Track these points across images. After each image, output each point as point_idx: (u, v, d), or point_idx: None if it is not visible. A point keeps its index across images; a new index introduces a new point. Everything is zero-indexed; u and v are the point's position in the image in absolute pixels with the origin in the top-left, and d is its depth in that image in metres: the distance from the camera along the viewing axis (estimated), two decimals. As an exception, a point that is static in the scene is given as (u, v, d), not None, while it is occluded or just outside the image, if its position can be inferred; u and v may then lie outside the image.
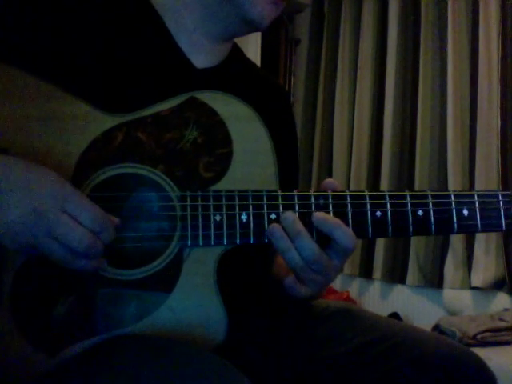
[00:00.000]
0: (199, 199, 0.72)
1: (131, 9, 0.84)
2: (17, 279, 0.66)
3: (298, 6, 3.78)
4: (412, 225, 0.76)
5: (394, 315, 2.98)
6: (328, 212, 0.74)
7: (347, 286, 3.44)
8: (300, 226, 0.72)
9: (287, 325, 0.90)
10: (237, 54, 0.95)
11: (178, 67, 0.84)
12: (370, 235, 0.75)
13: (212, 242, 0.71)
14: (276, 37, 3.85)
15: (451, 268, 2.89)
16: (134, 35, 0.82)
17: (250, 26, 0.84)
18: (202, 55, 0.86)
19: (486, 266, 2.76)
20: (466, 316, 2.60)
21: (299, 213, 0.73)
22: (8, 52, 0.72)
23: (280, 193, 0.74)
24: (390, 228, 0.75)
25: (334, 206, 0.74)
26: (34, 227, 0.61)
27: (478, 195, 0.78)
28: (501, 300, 2.71)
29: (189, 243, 0.71)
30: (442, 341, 0.85)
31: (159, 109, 0.74)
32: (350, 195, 0.75)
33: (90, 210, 0.63)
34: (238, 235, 0.72)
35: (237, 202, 0.72)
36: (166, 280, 0.70)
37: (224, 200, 0.72)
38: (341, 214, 0.74)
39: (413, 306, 3.09)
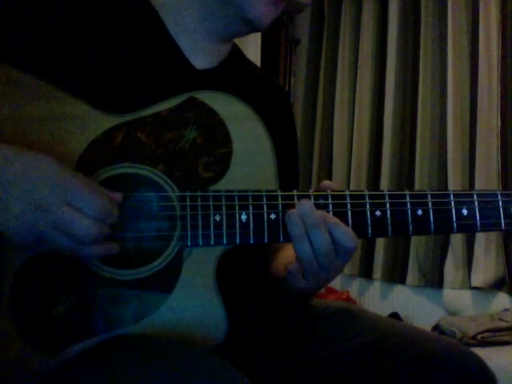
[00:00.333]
0: (199, 199, 0.72)
1: (131, 9, 0.84)
2: (17, 279, 0.66)
3: (298, 6, 3.78)
4: (412, 224, 0.76)
5: (394, 315, 2.98)
6: (328, 212, 0.74)
7: (347, 286, 3.44)
8: (317, 216, 0.72)
9: (287, 325, 0.90)
10: (236, 54, 0.95)
11: (178, 68, 0.84)
12: (370, 235, 0.75)
13: (212, 242, 0.71)
14: (276, 37, 3.85)
15: (451, 268, 2.89)
16: (134, 35, 0.82)
17: (249, 27, 0.84)
18: (201, 55, 0.86)
19: (486, 266, 2.76)
20: (466, 316, 2.60)
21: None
22: (8, 52, 0.72)
23: (280, 193, 0.74)
24: (390, 228, 0.75)
25: (334, 205, 0.74)
26: (39, 222, 0.61)
27: (478, 195, 0.78)
28: (501, 300, 2.71)
29: (188, 243, 0.71)
30: (442, 341, 0.85)
31: (159, 109, 0.74)
32: (350, 195, 0.75)
33: (92, 199, 0.63)
34: (237, 235, 0.72)
35: (236, 202, 0.72)
36: (166, 280, 0.70)
37: (224, 200, 0.72)
38: (340, 214, 0.74)
39: (413, 306, 3.09)
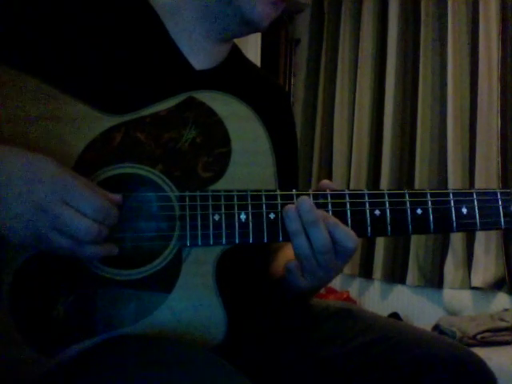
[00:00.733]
0: (198, 199, 0.72)
1: (130, 9, 0.84)
2: (16, 279, 0.66)
3: (298, 5, 3.78)
4: (411, 223, 0.76)
5: (394, 315, 2.98)
6: (327, 211, 0.74)
7: (347, 286, 3.44)
8: (317, 213, 0.72)
9: (287, 325, 0.90)
10: (236, 54, 0.95)
11: (177, 68, 0.84)
12: (370, 234, 0.75)
13: (211, 242, 0.71)
14: (276, 37, 3.85)
15: (451, 268, 2.89)
16: (133, 36, 0.82)
17: (249, 27, 0.84)
18: (201, 56, 0.86)
19: (485, 266, 2.75)
20: (466, 316, 2.60)
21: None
22: (8, 52, 0.72)
23: (279, 192, 0.74)
24: (389, 227, 0.75)
25: (333, 204, 0.74)
26: (38, 222, 0.61)
27: (477, 193, 0.78)
28: (501, 300, 2.70)
29: (188, 243, 0.71)
30: (442, 341, 0.85)
31: (158, 109, 0.74)
32: (349, 194, 0.75)
33: (91, 199, 0.63)
34: (236, 235, 0.72)
35: (236, 202, 0.72)
36: (166, 280, 0.70)
37: (223, 200, 0.72)
38: (340, 213, 0.74)
39: (413, 306, 3.09)
